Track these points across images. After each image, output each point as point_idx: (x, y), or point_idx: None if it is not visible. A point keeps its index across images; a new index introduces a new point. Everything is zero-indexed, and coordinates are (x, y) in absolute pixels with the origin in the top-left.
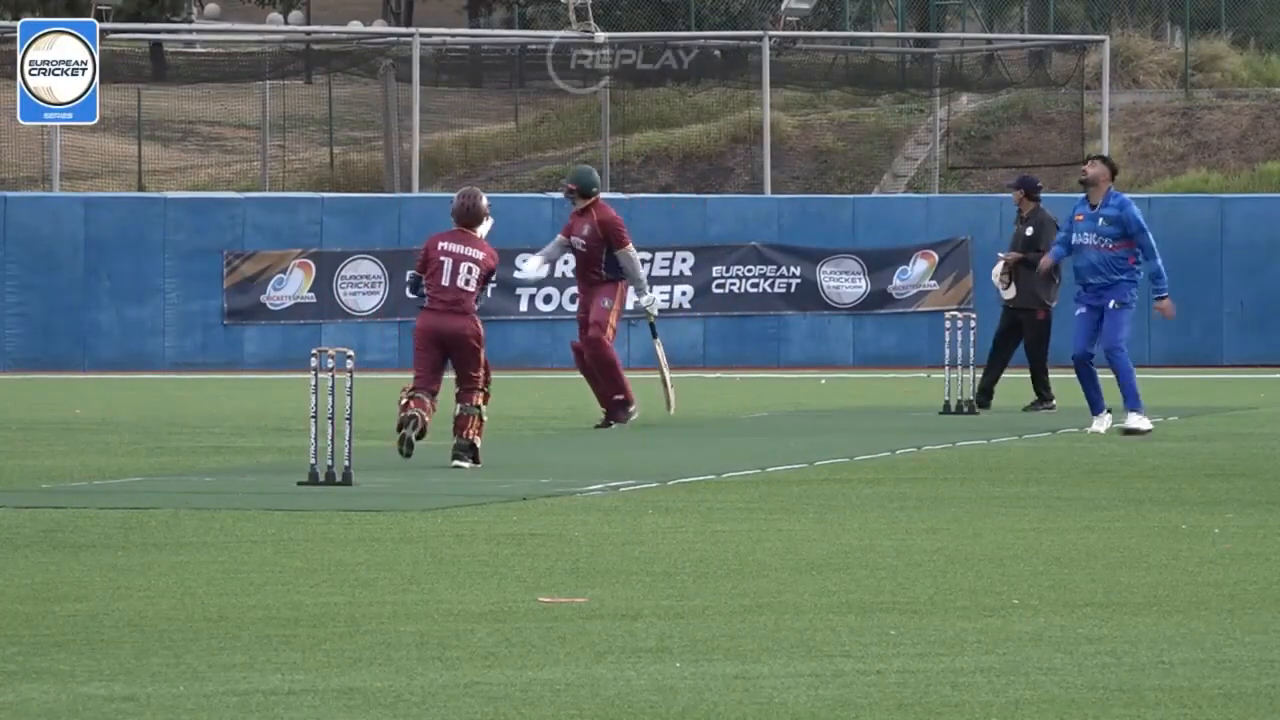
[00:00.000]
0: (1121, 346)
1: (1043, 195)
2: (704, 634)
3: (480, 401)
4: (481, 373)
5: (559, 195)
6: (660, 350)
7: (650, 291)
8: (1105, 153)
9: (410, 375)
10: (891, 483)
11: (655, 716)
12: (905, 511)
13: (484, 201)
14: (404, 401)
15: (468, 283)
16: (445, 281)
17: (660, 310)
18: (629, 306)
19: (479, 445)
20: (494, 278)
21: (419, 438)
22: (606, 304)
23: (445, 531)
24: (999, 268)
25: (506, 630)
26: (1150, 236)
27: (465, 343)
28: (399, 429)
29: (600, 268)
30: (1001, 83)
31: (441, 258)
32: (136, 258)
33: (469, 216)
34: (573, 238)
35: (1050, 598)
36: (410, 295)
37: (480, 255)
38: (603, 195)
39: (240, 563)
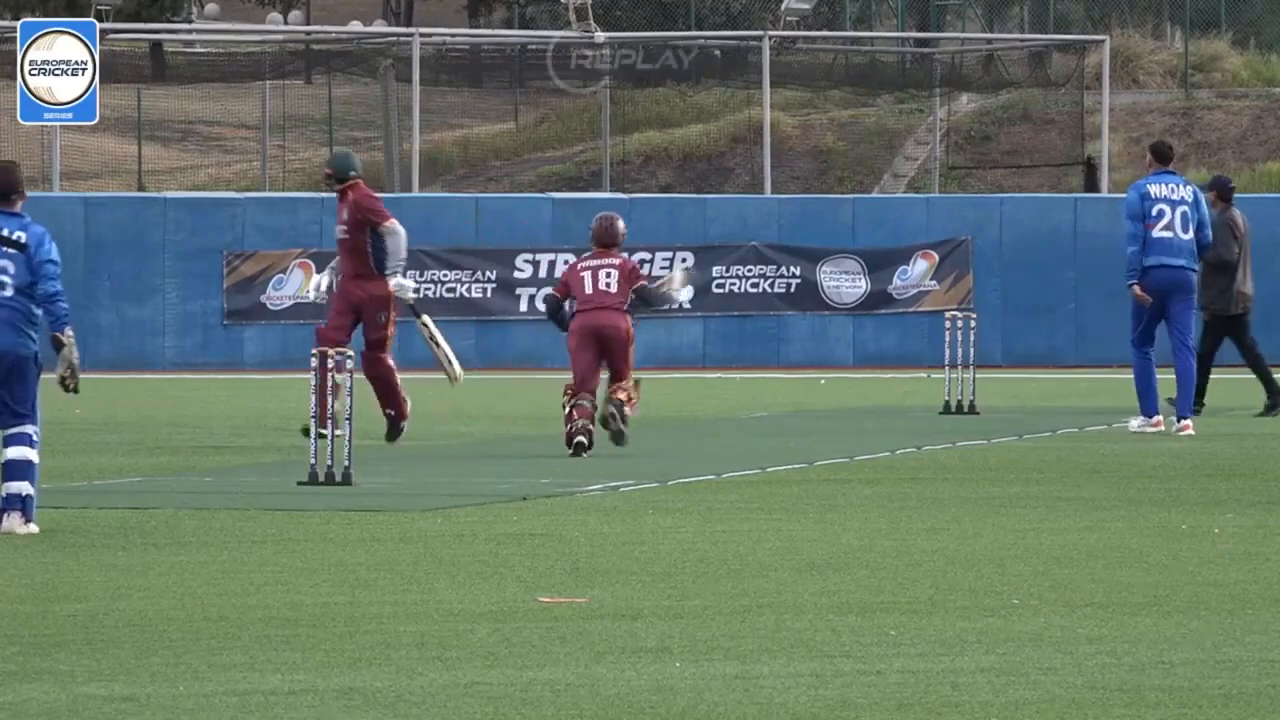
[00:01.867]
0: (1133, 343)
1: (1041, 196)
2: (704, 634)
3: (631, 389)
4: (630, 368)
5: (556, 195)
6: (429, 327)
7: (404, 276)
8: (1105, 152)
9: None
10: (891, 483)
11: (655, 716)
12: (905, 511)
13: (621, 225)
14: (568, 410)
15: (609, 285)
16: (588, 290)
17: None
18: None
19: (628, 411)
20: (640, 278)
21: (590, 447)
22: (382, 319)
23: (445, 531)
24: None
25: (506, 630)
26: (1130, 224)
27: (618, 335)
28: (570, 441)
29: (367, 256)
30: (1001, 83)
31: (582, 273)
32: (136, 258)
33: (607, 237)
34: (337, 226)
35: (1050, 598)
36: (543, 311)
37: (617, 261)
38: (605, 195)
39: (240, 563)
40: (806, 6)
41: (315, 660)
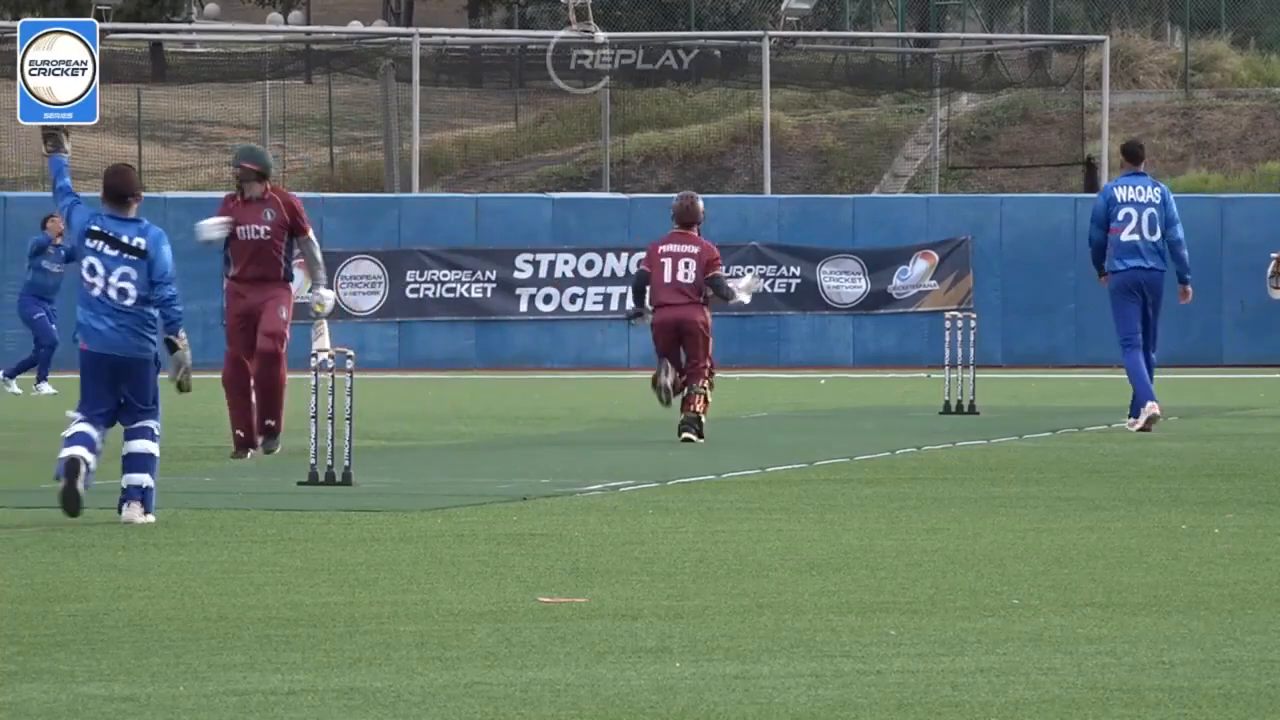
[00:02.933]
0: (1121, 345)
1: (1041, 196)
2: (704, 634)
3: (705, 385)
4: (708, 361)
5: (556, 195)
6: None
7: (327, 286)
8: (1105, 152)
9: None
10: (891, 483)
11: (655, 716)
12: (905, 511)
13: (700, 204)
14: (655, 375)
15: (686, 276)
16: (667, 279)
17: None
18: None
19: (704, 421)
20: (717, 266)
21: (677, 392)
22: (284, 314)
23: (445, 531)
24: (1271, 266)
25: (506, 630)
26: (1091, 227)
27: (695, 328)
28: (654, 384)
29: (280, 262)
30: (1001, 83)
31: (662, 259)
32: None
33: (688, 215)
34: (240, 227)
35: (1050, 598)
36: (632, 296)
37: (696, 250)
38: (605, 195)
39: (240, 563)
40: (806, 6)
41: (315, 660)
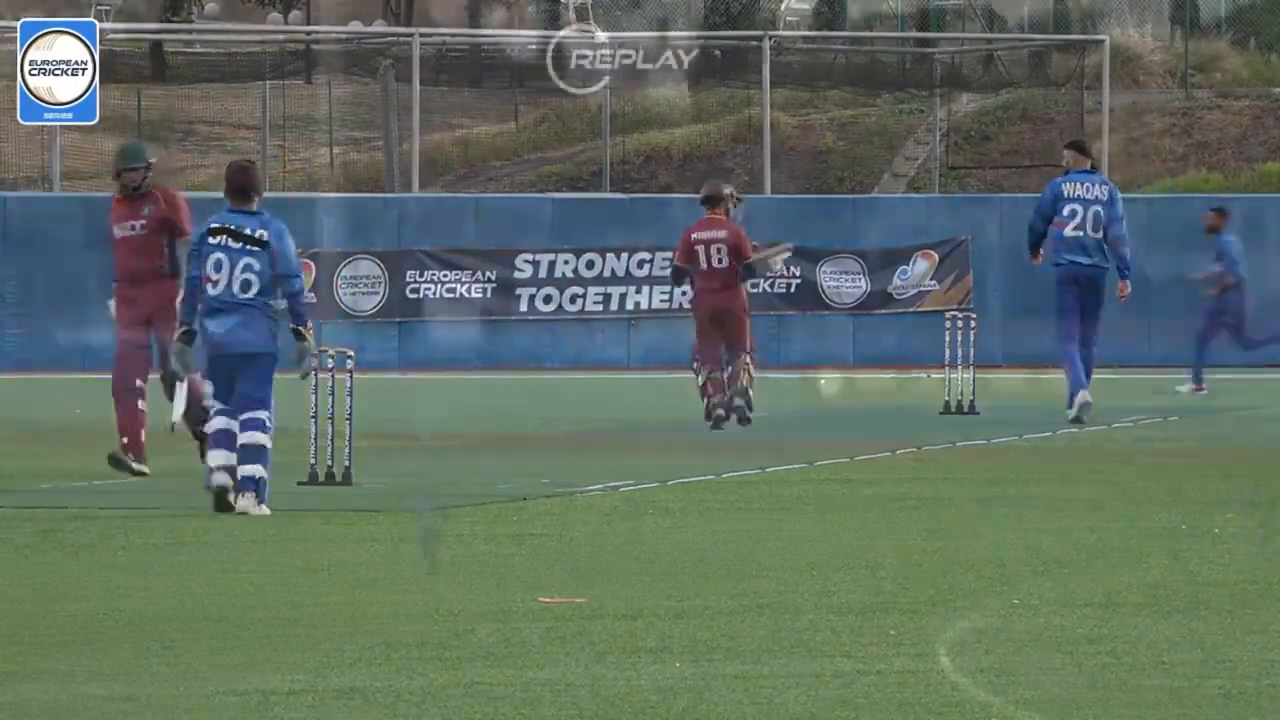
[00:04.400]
0: (1057, 339)
1: (1036, 195)
2: (704, 634)
3: (749, 360)
4: (748, 339)
5: (556, 195)
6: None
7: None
8: (1105, 152)
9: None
10: (891, 483)
11: (655, 716)
12: (905, 511)
13: (724, 187)
14: (702, 383)
15: (720, 262)
16: (704, 266)
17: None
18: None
19: (752, 393)
20: (746, 254)
21: (726, 417)
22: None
23: (445, 531)
24: None
25: (506, 630)
26: (1034, 216)
27: (731, 315)
28: (709, 415)
29: (163, 256)
30: (1001, 83)
31: (696, 247)
32: None
33: (709, 193)
34: (117, 225)
35: (1050, 598)
36: (675, 284)
37: (724, 234)
38: (605, 195)
39: (240, 563)
40: (806, 6)
41: (315, 660)
